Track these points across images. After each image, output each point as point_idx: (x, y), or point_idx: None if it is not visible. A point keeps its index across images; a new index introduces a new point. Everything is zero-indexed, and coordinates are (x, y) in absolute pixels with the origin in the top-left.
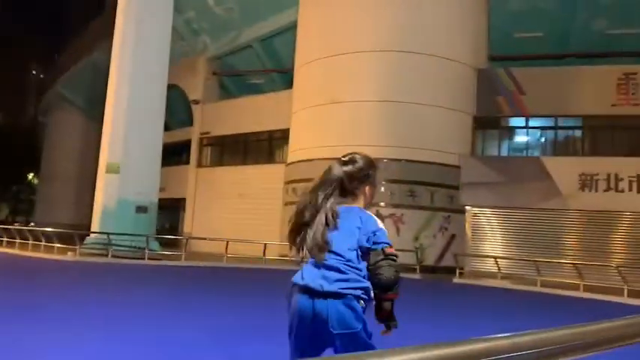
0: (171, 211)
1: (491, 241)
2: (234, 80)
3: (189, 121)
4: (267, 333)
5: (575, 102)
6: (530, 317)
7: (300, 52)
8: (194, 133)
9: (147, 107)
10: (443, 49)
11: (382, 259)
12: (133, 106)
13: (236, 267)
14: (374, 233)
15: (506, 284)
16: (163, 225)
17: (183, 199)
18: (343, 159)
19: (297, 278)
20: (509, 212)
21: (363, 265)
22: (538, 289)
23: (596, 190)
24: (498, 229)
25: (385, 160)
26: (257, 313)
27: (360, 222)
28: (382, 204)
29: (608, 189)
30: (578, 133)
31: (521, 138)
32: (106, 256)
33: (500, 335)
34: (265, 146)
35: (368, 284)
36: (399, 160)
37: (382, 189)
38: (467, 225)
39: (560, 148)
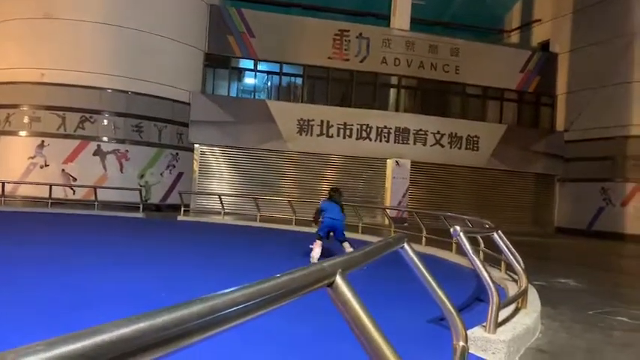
0: None
1: (218, 179)
2: None
3: None
4: None
5: (298, 51)
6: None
7: None
8: None
9: None
10: None
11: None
12: None
13: None
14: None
15: (229, 220)
16: None
17: None
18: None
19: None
20: (235, 151)
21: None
22: (257, 224)
23: (311, 135)
24: (225, 168)
25: (109, 91)
26: None
27: None
28: (105, 139)
29: (321, 134)
30: (299, 80)
31: (250, 80)
32: None
33: (218, 293)
34: None
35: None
36: (126, 91)
37: (105, 122)
38: (195, 163)
39: (284, 94)
